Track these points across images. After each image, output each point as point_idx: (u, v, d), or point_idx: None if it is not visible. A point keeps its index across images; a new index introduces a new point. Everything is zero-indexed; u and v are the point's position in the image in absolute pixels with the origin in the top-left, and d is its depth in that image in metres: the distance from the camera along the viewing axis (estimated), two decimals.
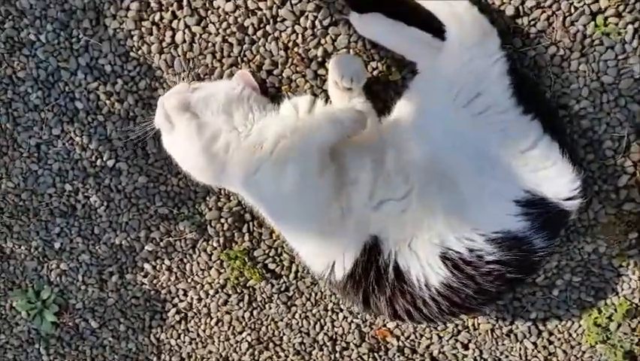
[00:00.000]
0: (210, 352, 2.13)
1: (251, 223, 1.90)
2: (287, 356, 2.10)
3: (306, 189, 1.41)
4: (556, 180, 1.42)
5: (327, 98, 1.67)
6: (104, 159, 1.87)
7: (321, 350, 2.07)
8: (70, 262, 2.05)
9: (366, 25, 1.59)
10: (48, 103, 1.82)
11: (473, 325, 1.97)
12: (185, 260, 1.99)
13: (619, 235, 1.77)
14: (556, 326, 1.93)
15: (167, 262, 2.00)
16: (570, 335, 1.93)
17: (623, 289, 1.84)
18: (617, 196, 1.72)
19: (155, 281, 2.04)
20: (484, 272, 1.42)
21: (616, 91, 1.61)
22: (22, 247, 2.05)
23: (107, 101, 1.80)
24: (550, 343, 1.95)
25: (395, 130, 1.53)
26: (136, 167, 1.88)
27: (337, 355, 2.07)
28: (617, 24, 1.55)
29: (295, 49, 1.67)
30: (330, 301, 1.99)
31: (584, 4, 1.54)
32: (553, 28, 1.57)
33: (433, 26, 1.51)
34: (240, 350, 2.11)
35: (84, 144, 1.86)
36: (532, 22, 1.57)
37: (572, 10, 1.55)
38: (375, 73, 1.68)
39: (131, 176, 1.89)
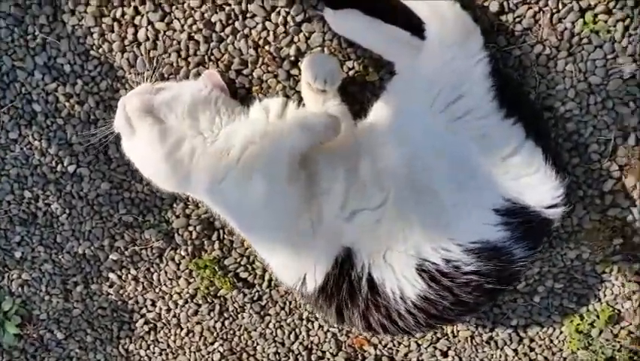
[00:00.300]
0: None
1: (221, 231, 1.78)
2: None
3: (275, 198, 1.32)
4: (539, 187, 1.34)
5: (300, 100, 1.56)
6: (65, 164, 1.74)
7: (297, 359, 1.97)
8: (32, 271, 1.92)
9: (341, 22, 1.48)
10: (3, 105, 1.68)
11: (452, 332, 1.89)
12: (152, 270, 1.87)
13: (603, 241, 1.69)
14: (538, 332, 1.86)
15: (133, 271, 1.88)
16: (551, 341, 1.86)
17: (605, 296, 1.77)
18: (602, 201, 1.64)
19: (121, 291, 1.92)
20: (461, 283, 1.34)
21: (604, 92, 1.52)
22: None
23: (67, 103, 1.67)
24: (532, 350, 1.88)
25: (371, 134, 1.43)
26: (98, 173, 1.75)
27: None
28: (606, 21, 1.46)
29: (266, 47, 1.55)
30: (305, 310, 1.89)
31: (573, 0, 1.44)
32: (540, 25, 1.48)
33: (412, 24, 1.40)
34: (212, 360, 2.00)
35: (43, 148, 1.73)
36: (518, 20, 1.48)
37: (560, 6, 1.45)
38: (351, 73, 1.57)
39: (93, 182, 1.76)
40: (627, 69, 1.49)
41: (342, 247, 1.38)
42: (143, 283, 1.89)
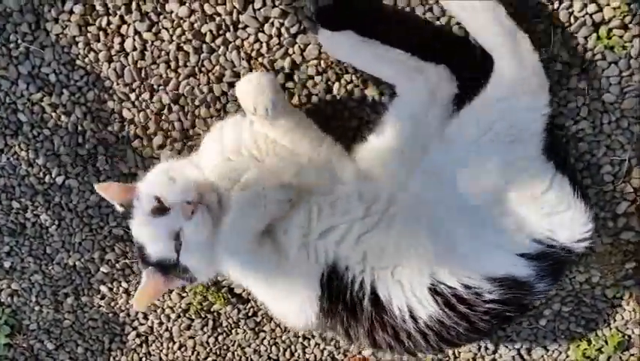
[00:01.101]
0: None
1: None
2: None
3: (251, 262, 1.26)
4: (570, 224, 1.24)
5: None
6: (53, 175, 1.64)
7: None
8: (22, 282, 1.83)
9: (337, 45, 1.36)
10: None
11: (454, 353, 1.78)
12: None
13: (614, 265, 1.57)
14: (542, 356, 1.74)
15: (124, 284, 1.79)
16: None
17: (615, 320, 1.66)
18: (614, 224, 1.52)
19: (112, 304, 1.83)
20: (480, 311, 1.24)
21: (618, 111, 1.40)
22: None
23: (53, 114, 1.57)
24: None
25: (372, 153, 1.32)
26: (87, 184, 1.65)
27: None
28: (622, 37, 1.33)
29: (259, 59, 1.44)
30: None
31: (586, 13, 1.32)
32: (551, 40, 1.34)
33: (411, 43, 1.28)
34: None
35: (30, 159, 1.63)
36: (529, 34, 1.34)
37: (572, 20, 1.32)
38: (349, 87, 1.45)
39: (82, 194, 1.66)
40: None
41: (325, 266, 1.27)
42: (134, 296, 1.80)
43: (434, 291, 1.24)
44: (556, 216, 1.22)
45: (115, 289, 1.80)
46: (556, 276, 1.29)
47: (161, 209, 1.24)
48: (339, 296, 1.28)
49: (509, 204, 1.22)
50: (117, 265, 1.75)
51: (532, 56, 1.24)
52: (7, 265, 1.81)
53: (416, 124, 1.29)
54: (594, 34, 1.33)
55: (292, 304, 1.29)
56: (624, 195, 1.48)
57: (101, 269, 1.76)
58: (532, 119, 1.24)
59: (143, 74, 1.49)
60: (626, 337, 1.67)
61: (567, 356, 1.73)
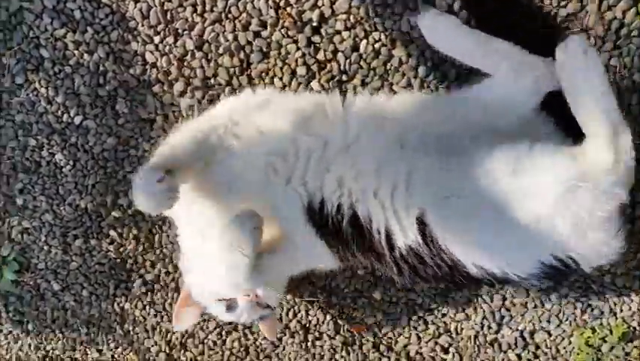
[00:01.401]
0: None
1: None
2: (255, 339, 1.90)
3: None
4: (600, 255, 1.20)
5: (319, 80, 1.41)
6: (71, 114, 1.63)
7: (292, 337, 1.86)
8: (32, 220, 1.83)
9: (439, 31, 1.29)
10: (10, 47, 1.57)
11: (456, 329, 1.76)
12: (154, 231, 1.77)
13: (627, 254, 1.53)
14: (545, 340, 1.72)
15: (134, 231, 1.78)
16: (558, 350, 1.72)
17: (622, 311, 1.63)
18: (632, 210, 1.47)
19: (121, 250, 1.82)
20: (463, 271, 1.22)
21: None
22: None
23: (76, 52, 1.55)
24: (536, 357, 1.74)
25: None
26: (105, 127, 1.64)
27: (309, 344, 1.86)
28: None
29: (287, 9, 1.41)
30: (307, 291, 1.77)
31: None
32: (587, 11, 1.29)
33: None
34: (208, 328, 1.91)
35: (50, 96, 1.62)
36: (563, 3, 1.30)
37: None
38: (377, 46, 1.41)
39: (100, 136, 1.65)
40: None
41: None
42: (144, 243, 1.80)
43: (421, 221, 1.20)
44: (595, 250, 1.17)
45: (125, 234, 1.79)
46: (552, 279, 1.27)
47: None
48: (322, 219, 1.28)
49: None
50: (129, 210, 1.74)
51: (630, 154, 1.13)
52: (19, 202, 1.80)
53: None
54: (633, 9, 1.28)
55: None
56: None
57: (113, 214, 1.76)
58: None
59: (168, 17, 1.46)
60: (632, 328, 1.64)
61: (570, 343, 1.70)
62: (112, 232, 1.79)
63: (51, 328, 2.02)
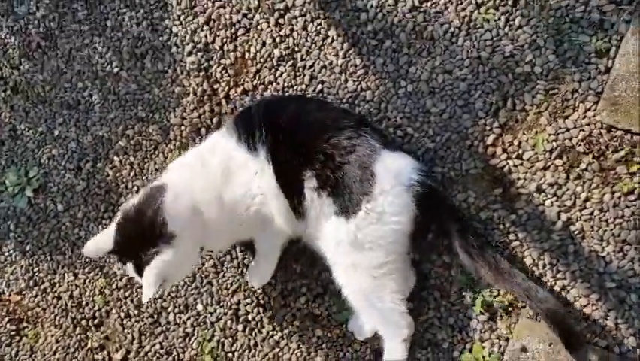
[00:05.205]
0: None
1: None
2: (203, 264, 2.21)
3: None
4: None
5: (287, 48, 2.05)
6: (113, 66, 2.28)
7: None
8: (60, 148, 2.34)
9: None
10: (89, 19, 2.30)
11: None
12: (146, 159, 2.24)
13: (485, 188, 1.93)
14: None
15: (132, 158, 2.26)
16: None
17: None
18: (484, 151, 1.93)
19: (117, 175, 2.28)
20: None
21: (490, 64, 1.93)
22: (31, 131, 2.38)
23: (129, 23, 2.27)
24: None
25: None
26: (132, 76, 2.26)
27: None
28: (494, 13, 1.93)
29: (267, 1, 2.12)
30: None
31: None
32: (449, 11, 1.97)
33: None
34: None
35: (103, 52, 2.29)
36: (433, 5, 1.98)
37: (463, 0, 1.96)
38: (318, 28, 2.09)
39: (127, 83, 2.27)
40: (508, 49, 1.92)
41: None
42: (136, 169, 2.26)
43: None
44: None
45: (124, 161, 2.27)
46: None
47: None
48: None
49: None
50: (132, 140, 2.26)
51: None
52: (56, 132, 2.35)
53: None
54: (477, 10, 1.92)
55: None
56: (492, 129, 1.92)
57: (120, 142, 2.27)
58: None
59: (192, 3, 2.20)
60: None
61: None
62: (115, 158, 2.28)
63: (43, 250, 2.34)
